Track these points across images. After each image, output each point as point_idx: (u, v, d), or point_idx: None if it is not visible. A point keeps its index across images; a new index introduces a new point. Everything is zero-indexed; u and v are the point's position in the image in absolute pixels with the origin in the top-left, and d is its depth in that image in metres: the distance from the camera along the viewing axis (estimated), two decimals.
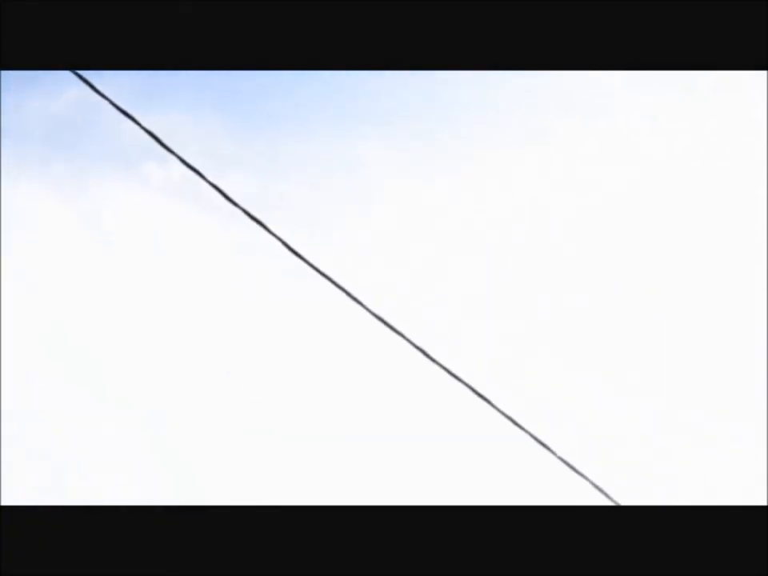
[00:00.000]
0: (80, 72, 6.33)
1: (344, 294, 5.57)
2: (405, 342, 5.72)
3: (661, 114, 11.27)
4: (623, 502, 6.81)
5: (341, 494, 9.28)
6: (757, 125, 10.06)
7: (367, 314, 5.61)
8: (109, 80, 6.13)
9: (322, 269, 5.57)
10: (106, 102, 5.79)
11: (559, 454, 6.16)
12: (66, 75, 6.16)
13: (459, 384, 5.92)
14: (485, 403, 5.97)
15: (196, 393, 9.83)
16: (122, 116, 5.78)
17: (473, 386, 5.94)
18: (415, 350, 5.74)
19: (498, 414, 6.01)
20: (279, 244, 5.58)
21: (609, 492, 6.39)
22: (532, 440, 6.09)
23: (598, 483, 6.33)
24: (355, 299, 5.60)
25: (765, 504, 6.99)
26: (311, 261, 5.56)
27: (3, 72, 7.29)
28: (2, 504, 7.15)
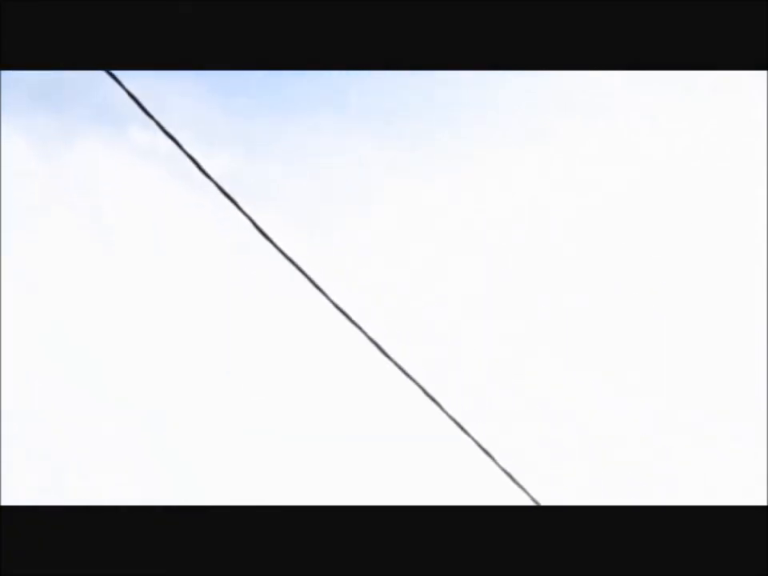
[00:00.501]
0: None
1: (309, 283, 5.54)
2: (362, 336, 5.70)
3: (661, 113, 11.26)
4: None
5: (339, 494, 9.28)
6: (757, 125, 10.06)
7: (329, 303, 5.59)
8: None
9: (291, 255, 5.54)
10: None
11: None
12: None
13: (414, 383, 5.93)
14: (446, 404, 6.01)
15: (196, 392, 9.83)
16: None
17: (424, 386, 5.94)
18: (373, 346, 5.73)
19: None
20: (253, 227, 5.56)
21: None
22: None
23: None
24: (318, 287, 5.57)
25: (765, 504, 7.00)
26: (280, 245, 5.53)
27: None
28: (2, 504, 7.15)
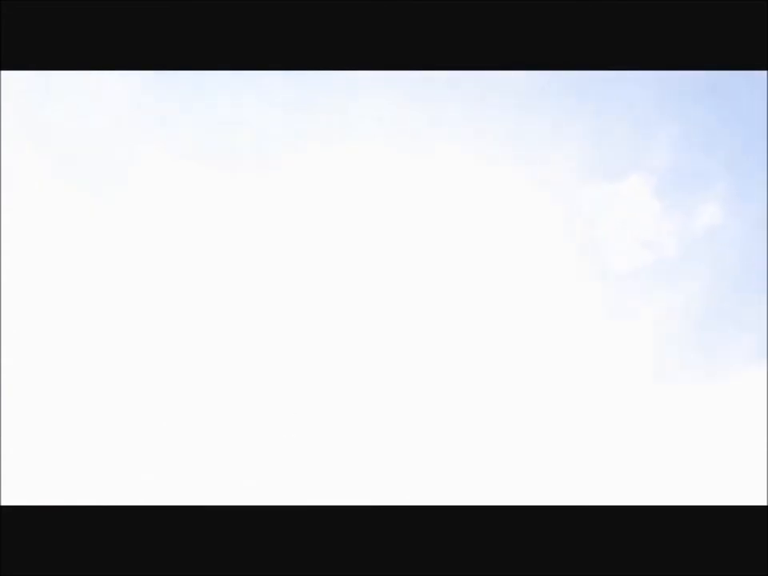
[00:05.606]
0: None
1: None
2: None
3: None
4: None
5: (339, 494, 9.29)
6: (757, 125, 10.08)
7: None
8: None
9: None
10: None
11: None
12: None
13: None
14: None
15: (195, 393, 9.85)
16: None
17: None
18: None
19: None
20: None
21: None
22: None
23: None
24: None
25: (765, 504, 6.99)
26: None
27: None
28: (2, 504, 7.15)
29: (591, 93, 9.97)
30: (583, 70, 7.39)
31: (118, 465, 9.46)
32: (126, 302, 9.85)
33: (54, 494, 8.98)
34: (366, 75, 9.43)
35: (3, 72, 8.08)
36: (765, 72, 8.26)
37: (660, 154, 10.09)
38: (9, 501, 8.21)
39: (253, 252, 9.81)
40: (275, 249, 9.84)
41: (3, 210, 9.16)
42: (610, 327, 10.25)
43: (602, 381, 10.16)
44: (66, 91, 9.12)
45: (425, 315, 10.17)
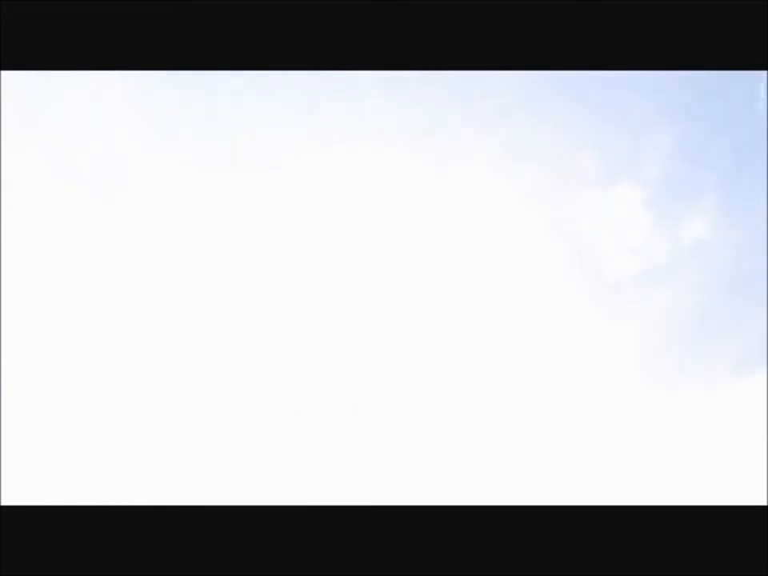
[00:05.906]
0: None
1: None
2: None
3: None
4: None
5: (340, 494, 9.30)
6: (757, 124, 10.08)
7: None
8: None
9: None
10: None
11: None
12: None
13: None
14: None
15: (195, 393, 9.85)
16: None
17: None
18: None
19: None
20: None
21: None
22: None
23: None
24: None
25: (765, 504, 7.00)
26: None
27: None
28: (2, 504, 7.15)
29: (588, 95, 9.98)
30: (583, 70, 7.40)
31: (118, 465, 9.46)
32: (126, 301, 9.85)
33: (54, 494, 8.98)
34: (366, 75, 9.43)
35: (3, 72, 8.08)
36: (765, 72, 8.27)
37: (655, 159, 10.10)
38: (9, 501, 8.21)
39: (253, 252, 9.82)
40: (275, 249, 9.84)
41: (3, 210, 9.16)
42: (601, 333, 10.28)
43: (596, 384, 10.19)
44: (66, 91, 9.12)
45: (423, 316, 10.17)
